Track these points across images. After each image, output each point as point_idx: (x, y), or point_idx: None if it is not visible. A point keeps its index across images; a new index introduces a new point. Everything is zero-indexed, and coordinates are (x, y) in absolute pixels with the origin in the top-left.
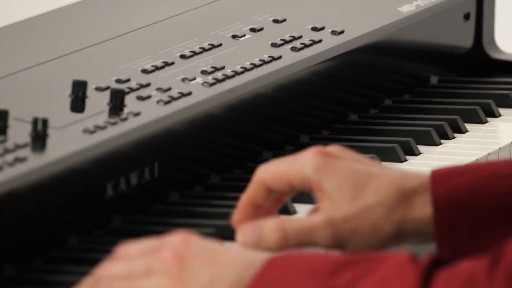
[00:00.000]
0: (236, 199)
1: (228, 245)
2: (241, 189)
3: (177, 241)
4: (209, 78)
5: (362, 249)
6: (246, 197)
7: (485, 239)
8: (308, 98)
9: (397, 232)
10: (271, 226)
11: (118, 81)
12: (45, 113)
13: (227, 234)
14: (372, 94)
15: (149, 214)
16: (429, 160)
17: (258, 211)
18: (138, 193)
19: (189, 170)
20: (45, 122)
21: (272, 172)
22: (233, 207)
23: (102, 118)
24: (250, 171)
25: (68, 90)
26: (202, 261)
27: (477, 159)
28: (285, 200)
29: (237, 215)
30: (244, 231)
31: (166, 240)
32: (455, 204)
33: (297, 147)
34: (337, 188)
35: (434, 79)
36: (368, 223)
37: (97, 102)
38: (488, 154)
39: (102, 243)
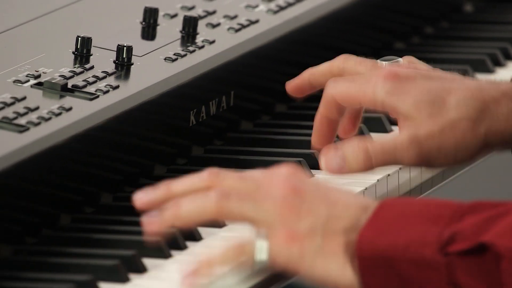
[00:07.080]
0: (297, 127)
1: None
2: (308, 117)
3: (287, 172)
4: (272, 5)
5: (448, 165)
6: (319, 115)
7: None
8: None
9: (483, 145)
10: (353, 148)
11: (184, 8)
12: (118, 40)
13: (310, 162)
14: None
15: (225, 144)
16: None
17: (335, 128)
18: (215, 122)
19: (256, 99)
20: (129, 49)
21: (341, 91)
22: (299, 134)
23: (176, 45)
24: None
25: (136, 18)
26: (319, 197)
27: None
28: (361, 116)
29: (314, 136)
30: (327, 155)
31: (275, 169)
32: None
33: None
34: (413, 107)
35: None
36: (454, 139)
37: (168, 30)
38: None
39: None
